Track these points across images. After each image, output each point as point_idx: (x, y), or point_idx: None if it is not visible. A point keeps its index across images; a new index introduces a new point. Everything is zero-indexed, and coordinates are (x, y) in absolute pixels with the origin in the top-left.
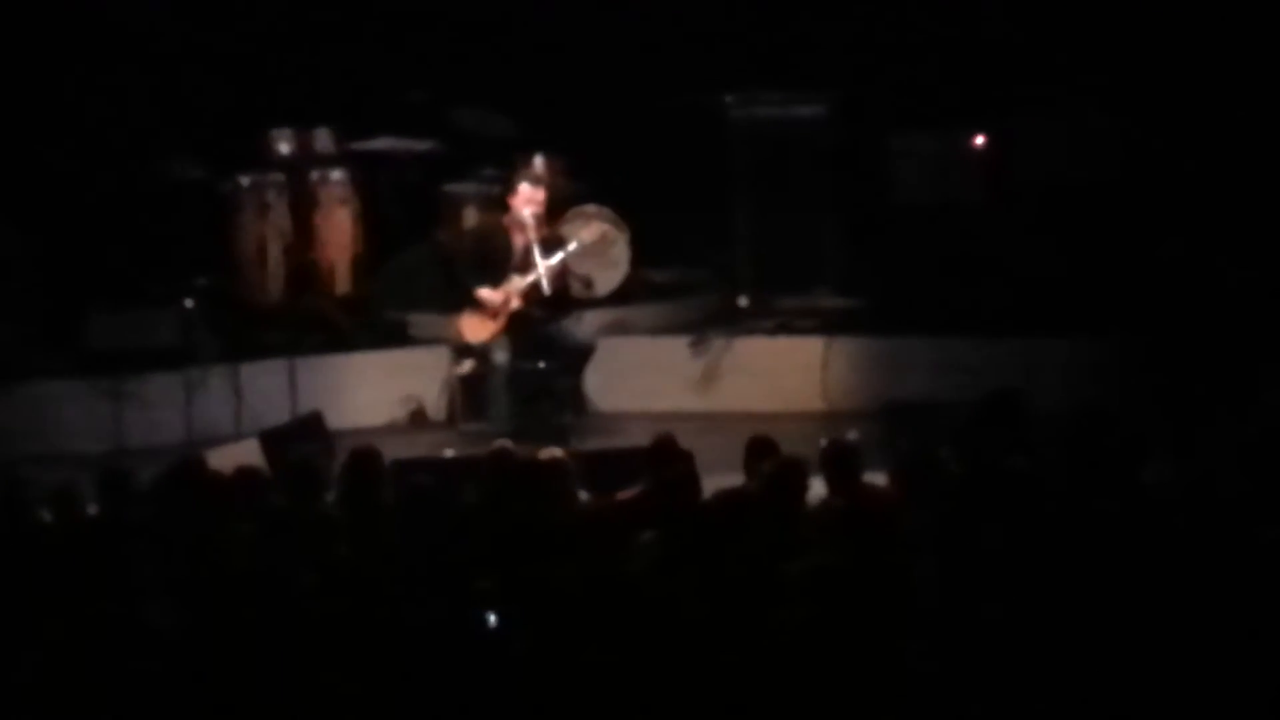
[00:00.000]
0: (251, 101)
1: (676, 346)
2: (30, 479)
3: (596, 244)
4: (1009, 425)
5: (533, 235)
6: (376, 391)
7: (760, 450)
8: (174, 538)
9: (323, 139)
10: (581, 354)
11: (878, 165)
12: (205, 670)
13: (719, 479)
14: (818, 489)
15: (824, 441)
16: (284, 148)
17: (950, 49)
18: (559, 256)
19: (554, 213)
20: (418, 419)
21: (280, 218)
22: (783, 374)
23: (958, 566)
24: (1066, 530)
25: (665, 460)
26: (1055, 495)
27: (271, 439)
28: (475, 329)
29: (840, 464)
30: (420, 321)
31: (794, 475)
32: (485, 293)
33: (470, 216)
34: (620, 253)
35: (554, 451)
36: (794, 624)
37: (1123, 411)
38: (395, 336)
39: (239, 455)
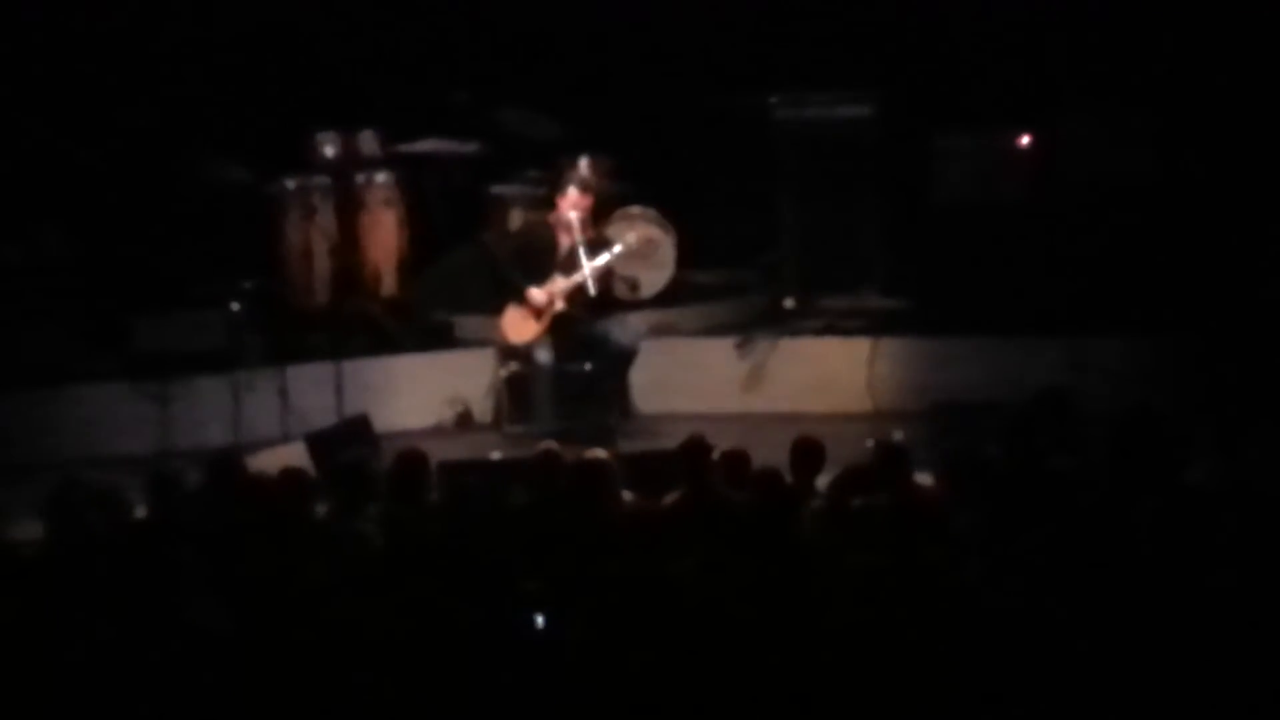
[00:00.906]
0: (297, 104)
1: (722, 347)
2: (82, 481)
3: (642, 247)
4: (1056, 425)
5: (578, 236)
6: (422, 394)
7: (808, 452)
8: (220, 539)
9: (368, 141)
10: (626, 355)
11: (922, 165)
12: (252, 671)
13: None
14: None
15: (871, 443)
16: (329, 150)
17: (994, 49)
18: (604, 258)
19: (599, 214)
20: (463, 421)
21: (326, 220)
22: (829, 374)
23: (1004, 565)
24: (1112, 529)
25: (696, 462)
26: (1101, 495)
27: (318, 441)
28: (519, 329)
29: (891, 464)
30: (466, 323)
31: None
32: (532, 292)
33: (516, 218)
34: (666, 254)
35: (599, 453)
36: (841, 624)
37: (1168, 411)
38: (441, 339)
39: (286, 458)
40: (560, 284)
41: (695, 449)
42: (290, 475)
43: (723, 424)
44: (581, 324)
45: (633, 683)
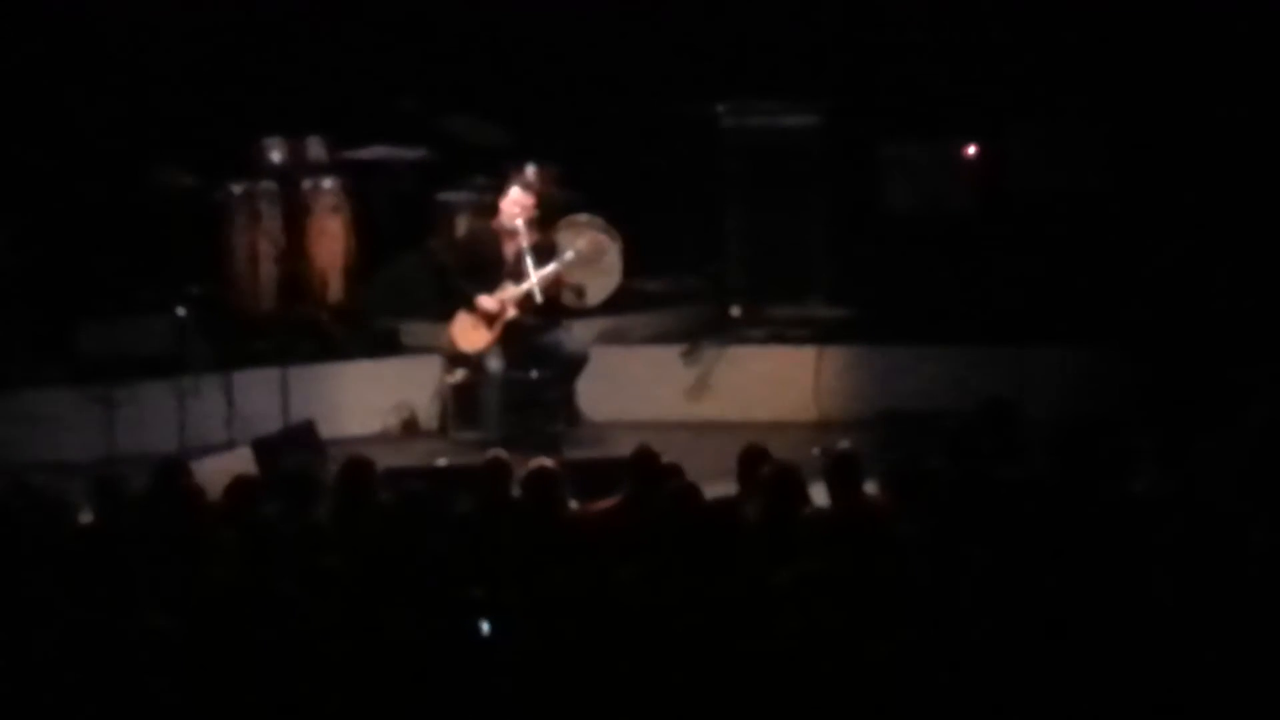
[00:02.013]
0: (243, 109)
1: (669, 356)
2: (26, 486)
3: (589, 253)
4: (1000, 434)
5: (524, 243)
6: (369, 400)
7: (754, 459)
8: (165, 544)
9: (315, 147)
10: (574, 363)
11: (869, 174)
12: (200, 677)
13: (711, 488)
14: (814, 497)
15: (816, 451)
16: (276, 156)
17: (941, 59)
18: (553, 266)
19: (546, 221)
20: (410, 428)
21: (272, 226)
22: (775, 383)
23: (949, 575)
24: (1057, 539)
25: (645, 470)
26: (1046, 504)
27: (264, 447)
28: (468, 337)
29: (842, 474)
30: (412, 330)
31: (791, 481)
32: (483, 299)
33: (462, 225)
34: (612, 262)
35: (543, 461)
36: (785, 633)
37: (1113, 421)
38: (387, 345)
39: (231, 464)
40: (510, 291)
41: (644, 458)
42: (238, 481)
43: (669, 432)
44: (530, 331)
45: (578, 690)
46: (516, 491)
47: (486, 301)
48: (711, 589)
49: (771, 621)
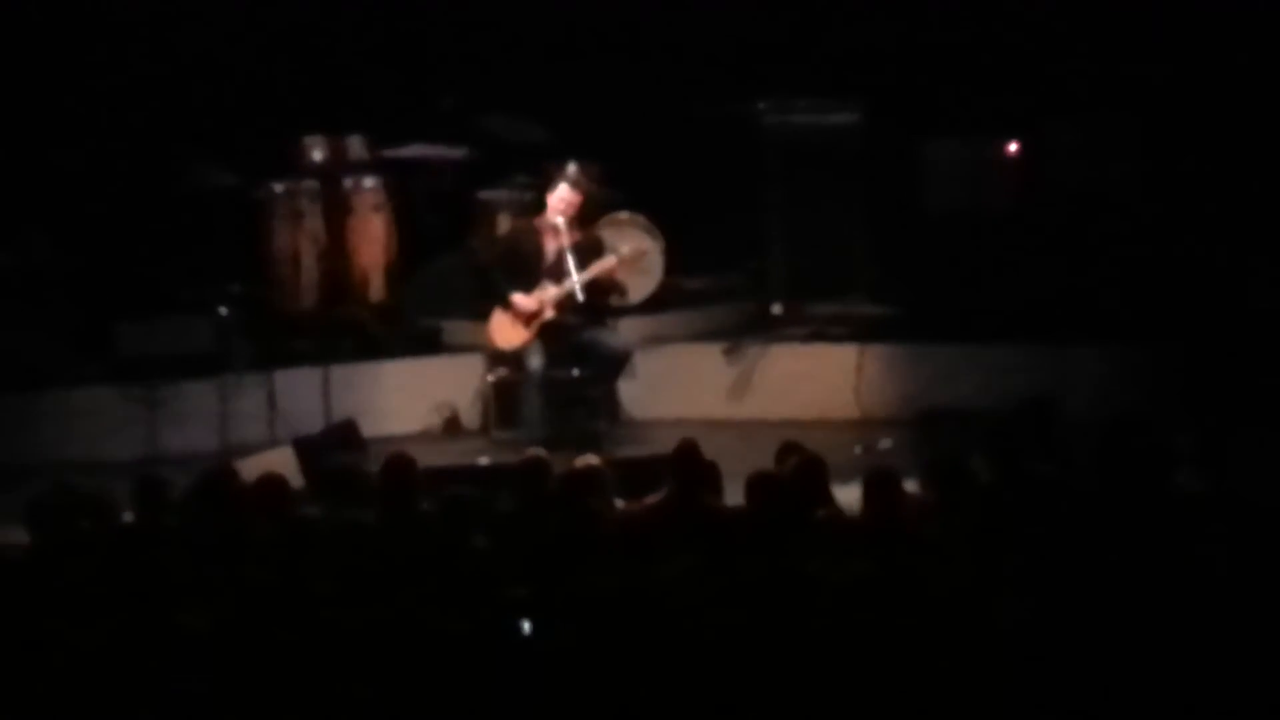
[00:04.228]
0: (285, 109)
1: (711, 354)
2: (69, 486)
3: (631, 257)
4: (1041, 432)
5: (565, 241)
6: (410, 399)
7: (789, 456)
8: (206, 545)
9: (356, 146)
10: (616, 361)
11: (910, 172)
12: (239, 677)
13: None
14: (848, 496)
15: (858, 449)
16: (317, 155)
17: (981, 56)
18: (596, 269)
19: (587, 219)
20: (451, 426)
21: (313, 225)
22: (816, 381)
23: (989, 572)
24: (1097, 537)
25: (688, 466)
26: (1086, 502)
27: (305, 446)
28: (507, 335)
29: (880, 487)
30: (453, 329)
31: (814, 475)
32: (519, 298)
33: (503, 223)
34: (654, 260)
35: (589, 459)
36: (825, 631)
37: (1154, 418)
38: (428, 344)
39: (273, 463)
40: (550, 291)
41: (686, 454)
42: (272, 480)
43: (710, 430)
44: (571, 330)
45: (619, 689)
46: (557, 489)
47: (524, 300)
48: (751, 588)
49: (811, 621)
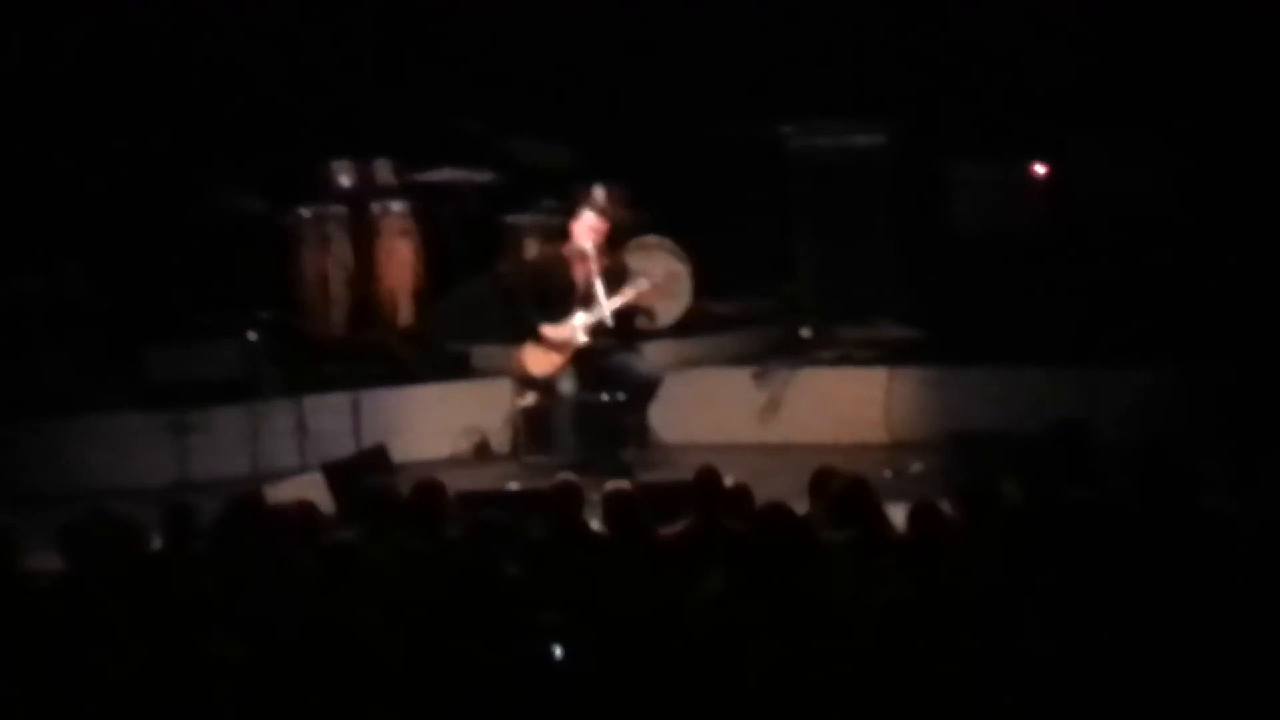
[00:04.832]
0: (312, 134)
1: (740, 378)
2: (100, 512)
3: (662, 281)
4: (1072, 455)
5: (594, 267)
6: (440, 424)
7: (826, 480)
8: (235, 571)
9: (383, 170)
10: (647, 386)
11: (937, 194)
12: (269, 703)
13: None
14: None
15: (888, 473)
16: (344, 180)
17: (1008, 78)
18: (626, 296)
19: (615, 243)
20: (481, 451)
21: (341, 250)
22: (846, 405)
23: (1019, 597)
24: (1129, 561)
25: (709, 492)
26: (1117, 525)
27: (336, 471)
28: (538, 362)
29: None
30: (482, 353)
31: (862, 494)
32: (550, 329)
33: (531, 247)
34: (683, 284)
35: (620, 484)
36: (857, 655)
37: (1186, 441)
38: (458, 369)
39: (303, 488)
40: (580, 319)
41: (707, 479)
42: (302, 507)
43: (740, 454)
44: (602, 355)
45: (651, 715)
46: (588, 515)
47: (554, 332)
48: (783, 612)
49: (843, 645)
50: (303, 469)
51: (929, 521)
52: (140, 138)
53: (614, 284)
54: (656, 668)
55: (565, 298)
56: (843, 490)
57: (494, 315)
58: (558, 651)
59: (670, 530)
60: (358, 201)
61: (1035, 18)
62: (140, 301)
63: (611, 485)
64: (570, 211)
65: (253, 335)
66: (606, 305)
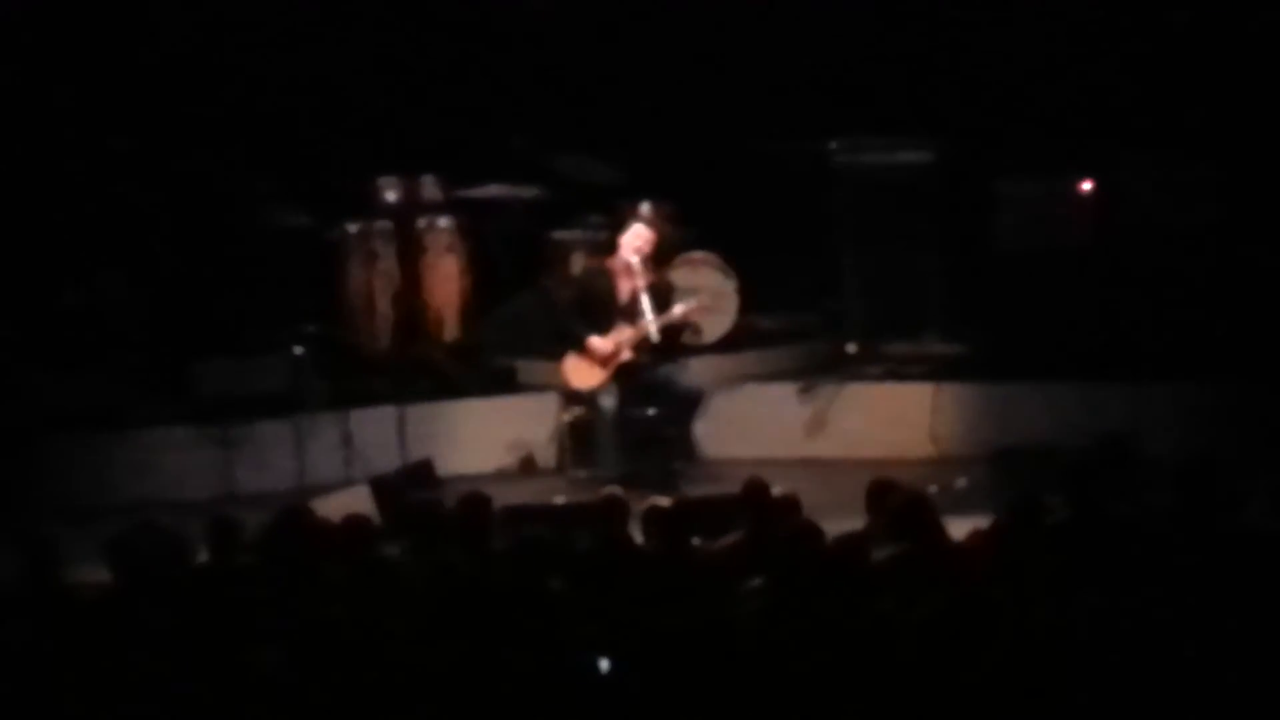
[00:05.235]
0: (358, 149)
1: (786, 393)
2: (148, 525)
3: (708, 299)
4: (1118, 471)
5: (640, 282)
6: (485, 438)
7: (882, 493)
8: (281, 585)
9: (429, 186)
10: (691, 401)
11: (983, 210)
12: (314, 717)
13: (829, 525)
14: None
15: (934, 488)
16: (391, 195)
17: (1054, 94)
18: (678, 311)
19: (661, 259)
20: (527, 466)
21: (388, 265)
22: (892, 420)
23: (1064, 612)
24: (1175, 577)
25: (757, 505)
26: (1164, 541)
27: (382, 486)
28: (582, 375)
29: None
30: (528, 368)
31: (923, 510)
32: (595, 341)
33: (577, 263)
34: (729, 300)
35: (658, 500)
36: (902, 670)
37: (1231, 457)
38: (503, 383)
39: (349, 502)
40: (626, 333)
41: (755, 492)
42: (353, 520)
43: (786, 469)
44: (646, 369)
45: None
46: (633, 529)
47: (599, 343)
48: (828, 627)
49: (887, 658)
50: (348, 483)
51: (981, 538)
52: (189, 154)
53: (660, 299)
54: (702, 682)
55: (610, 310)
56: (902, 505)
57: (540, 330)
58: (604, 665)
59: (720, 544)
60: (404, 217)
61: (1080, 35)
62: (188, 316)
63: (650, 502)
64: (617, 227)
65: (299, 350)
66: (653, 319)
